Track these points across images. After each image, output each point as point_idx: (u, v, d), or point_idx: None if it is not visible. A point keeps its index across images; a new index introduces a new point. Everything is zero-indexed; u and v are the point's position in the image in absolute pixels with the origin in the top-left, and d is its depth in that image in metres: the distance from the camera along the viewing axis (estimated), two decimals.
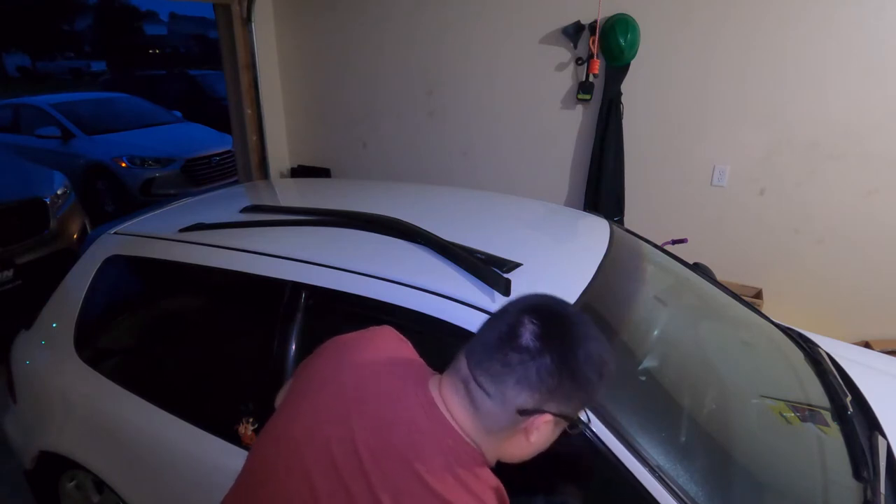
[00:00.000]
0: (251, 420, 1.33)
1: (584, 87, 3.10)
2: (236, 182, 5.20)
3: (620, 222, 3.15)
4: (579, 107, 3.21)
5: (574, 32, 3.03)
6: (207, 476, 1.39)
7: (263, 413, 1.16)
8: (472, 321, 1.17)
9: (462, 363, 0.77)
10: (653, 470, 1.03)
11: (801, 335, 1.91)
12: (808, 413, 1.50)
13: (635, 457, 1.03)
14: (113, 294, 1.72)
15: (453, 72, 3.50)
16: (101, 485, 1.72)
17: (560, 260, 1.53)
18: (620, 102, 3.04)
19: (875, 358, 1.97)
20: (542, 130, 3.35)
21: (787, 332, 1.91)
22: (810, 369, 1.70)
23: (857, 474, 1.29)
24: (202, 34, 37.02)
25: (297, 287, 1.34)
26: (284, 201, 2.14)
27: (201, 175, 6.14)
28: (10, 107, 6.66)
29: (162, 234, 1.63)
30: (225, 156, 6.31)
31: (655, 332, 1.53)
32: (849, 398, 1.54)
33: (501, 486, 0.77)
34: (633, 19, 2.88)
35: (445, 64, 3.51)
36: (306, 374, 0.88)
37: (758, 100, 2.78)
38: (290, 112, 4.23)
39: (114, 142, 6.04)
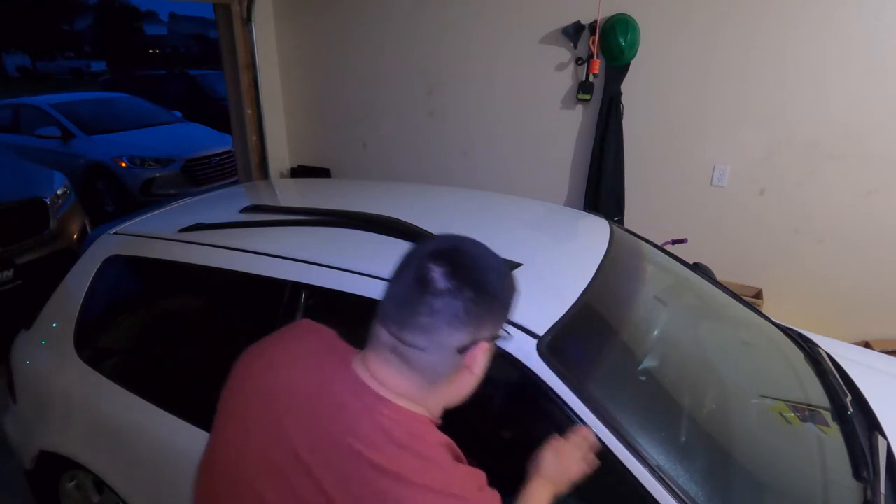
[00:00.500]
0: None
1: (584, 87, 3.10)
2: (236, 182, 5.20)
3: (620, 222, 3.15)
4: (579, 107, 3.21)
5: (574, 32, 3.03)
6: None
7: None
8: None
9: (381, 333, 0.74)
10: (653, 470, 1.03)
11: (801, 335, 1.91)
12: (808, 413, 1.50)
13: (635, 457, 1.03)
14: (113, 294, 1.72)
15: (453, 72, 3.50)
16: (101, 485, 1.72)
17: (560, 260, 1.53)
18: (620, 102, 3.04)
19: (875, 358, 1.97)
20: (542, 130, 3.35)
21: (787, 332, 1.91)
22: (810, 369, 1.70)
23: (857, 474, 1.29)
24: (202, 34, 37.02)
25: (297, 287, 1.34)
26: (284, 201, 2.14)
27: (201, 175, 6.14)
28: (10, 107, 6.66)
29: (162, 234, 1.63)
30: (225, 156, 6.31)
31: (655, 332, 1.53)
32: (849, 398, 1.54)
33: (452, 442, 0.76)
34: (633, 19, 2.88)
35: (445, 64, 3.51)
36: (229, 394, 0.84)
37: (758, 100, 2.78)
38: (290, 112, 4.23)
39: (114, 142, 6.04)
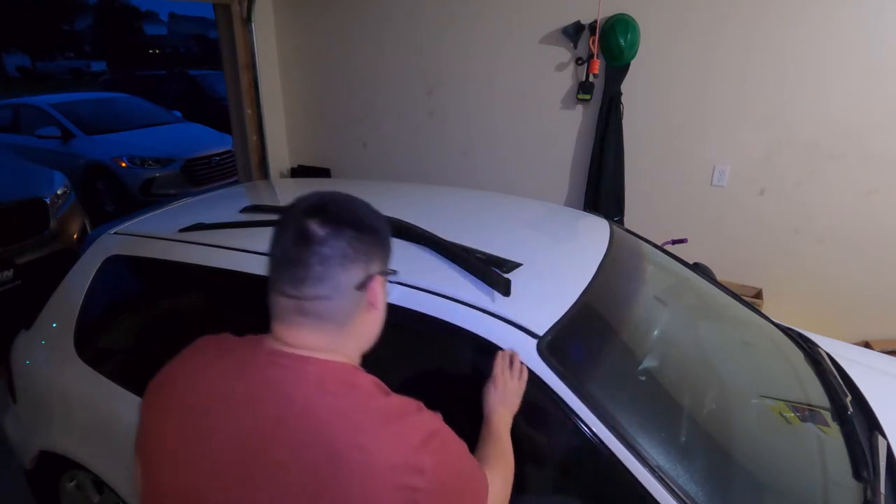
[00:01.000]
0: None
1: (584, 87, 3.10)
2: (236, 182, 5.20)
3: (620, 222, 3.15)
4: (579, 107, 3.21)
5: (574, 32, 3.03)
6: None
7: None
8: (473, 321, 1.17)
9: (280, 301, 0.75)
10: (653, 470, 1.03)
11: (801, 335, 1.91)
12: (808, 413, 1.50)
13: (635, 457, 1.03)
14: (113, 294, 1.72)
15: (453, 72, 3.50)
16: (101, 485, 1.72)
17: (560, 260, 1.53)
18: (620, 102, 3.04)
19: (875, 358, 1.97)
20: (542, 130, 3.35)
21: (787, 332, 1.91)
22: (810, 369, 1.70)
23: (857, 474, 1.29)
24: (202, 34, 37.03)
25: None
26: (284, 201, 2.14)
27: (201, 175, 6.14)
28: (10, 107, 6.66)
29: (162, 234, 1.63)
30: (225, 156, 6.31)
31: (655, 332, 1.53)
32: (849, 398, 1.54)
33: (380, 381, 0.78)
34: (633, 19, 2.88)
35: (445, 64, 3.51)
36: (152, 434, 0.79)
37: (758, 100, 2.78)
38: (290, 112, 4.23)
39: (114, 142, 6.04)
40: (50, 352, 1.75)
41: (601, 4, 2.92)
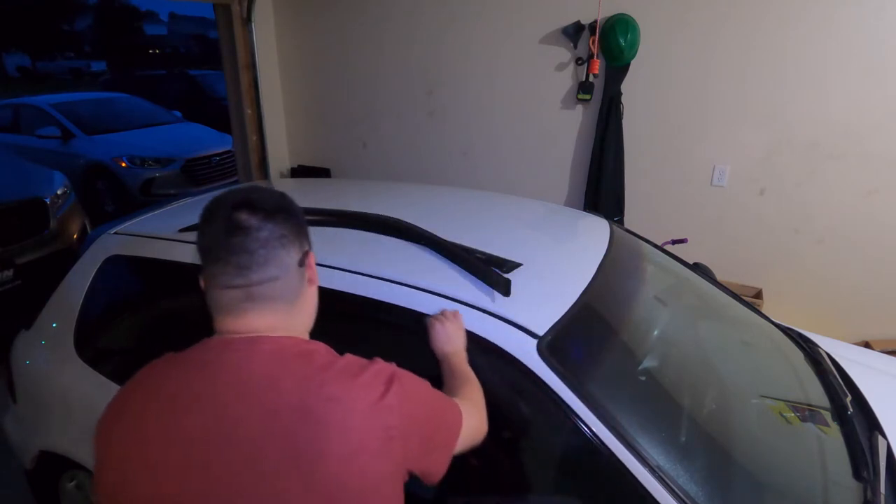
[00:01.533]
0: None
1: (584, 87, 3.10)
2: (236, 182, 5.19)
3: (620, 222, 3.15)
4: (579, 107, 3.21)
5: (574, 32, 3.03)
6: None
7: None
8: (473, 321, 1.17)
9: (225, 294, 0.77)
10: (653, 470, 1.03)
11: (801, 335, 1.91)
12: (808, 413, 1.50)
13: (635, 457, 1.03)
14: (113, 294, 1.72)
15: (453, 72, 3.50)
16: None
17: (560, 260, 1.53)
18: (620, 102, 3.04)
19: (875, 358, 1.97)
20: (542, 130, 3.35)
21: (787, 332, 1.91)
22: (810, 369, 1.70)
23: (857, 474, 1.29)
24: (202, 34, 37.01)
25: None
26: None
27: (201, 175, 6.13)
28: (10, 107, 6.66)
29: (162, 234, 1.62)
30: (225, 156, 6.31)
31: (655, 332, 1.53)
32: (849, 398, 1.54)
33: (328, 345, 0.82)
34: (633, 19, 2.88)
35: (445, 64, 3.51)
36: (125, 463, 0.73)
37: (758, 100, 2.78)
38: (290, 112, 4.23)
39: (114, 142, 6.03)
40: (50, 352, 1.75)
41: (601, 4, 2.92)
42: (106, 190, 5.93)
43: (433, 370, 1.39)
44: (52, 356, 1.74)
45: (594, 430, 1.06)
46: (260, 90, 3.94)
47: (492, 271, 1.26)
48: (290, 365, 0.75)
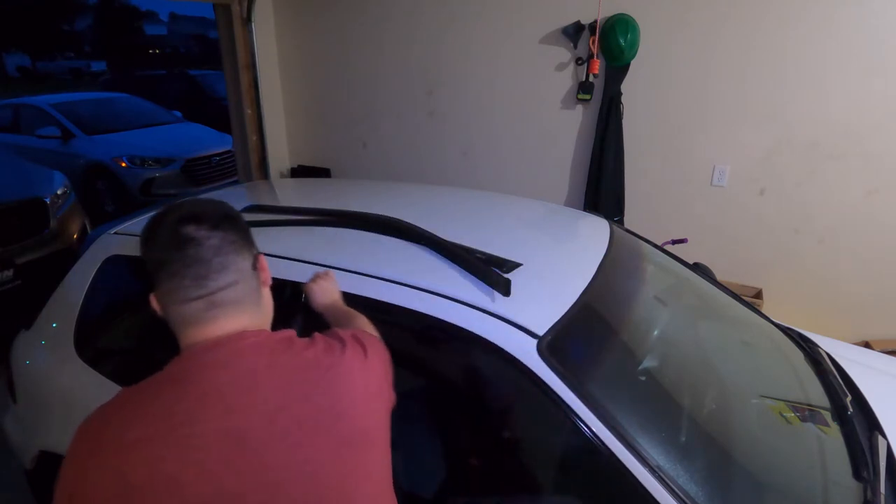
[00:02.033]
0: None
1: (584, 87, 3.10)
2: (236, 182, 5.20)
3: (620, 222, 3.15)
4: (579, 107, 3.21)
5: (574, 32, 3.03)
6: None
7: None
8: (473, 321, 1.17)
9: (187, 308, 0.78)
10: (653, 470, 1.03)
11: (801, 335, 1.91)
12: (808, 413, 1.50)
13: (635, 457, 1.03)
14: (113, 294, 1.72)
15: (453, 72, 3.50)
16: None
17: (560, 260, 1.53)
18: (620, 102, 3.04)
19: (875, 358, 1.97)
20: (542, 130, 3.35)
21: (787, 332, 1.91)
22: (810, 369, 1.70)
23: (857, 474, 1.29)
24: (202, 34, 37.02)
25: (297, 287, 1.34)
26: (284, 201, 2.14)
27: (201, 175, 6.13)
28: (10, 107, 6.65)
29: None
30: (225, 156, 6.31)
31: (655, 332, 1.53)
32: (849, 398, 1.54)
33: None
34: (633, 19, 2.87)
35: (445, 64, 3.51)
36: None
37: (758, 100, 2.78)
38: (290, 112, 4.22)
39: (114, 142, 6.03)
40: (50, 352, 1.75)
41: (601, 4, 2.92)
42: (106, 190, 5.93)
43: (433, 370, 1.40)
44: (52, 356, 1.74)
45: (594, 430, 1.06)
46: (260, 90, 3.94)
47: (492, 271, 1.26)
48: (278, 351, 0.78)
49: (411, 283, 1.26)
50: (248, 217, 1.70)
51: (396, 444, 0.88)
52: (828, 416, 1.49)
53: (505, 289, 1.21)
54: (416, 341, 1.36)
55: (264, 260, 0.88)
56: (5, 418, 1.93)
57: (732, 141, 2.89)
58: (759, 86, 2.76)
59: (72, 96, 7.19)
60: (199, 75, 11.13)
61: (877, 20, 2.49)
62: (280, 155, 4.26)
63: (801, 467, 1.34)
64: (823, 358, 1.75)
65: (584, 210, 2.55)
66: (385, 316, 1.26)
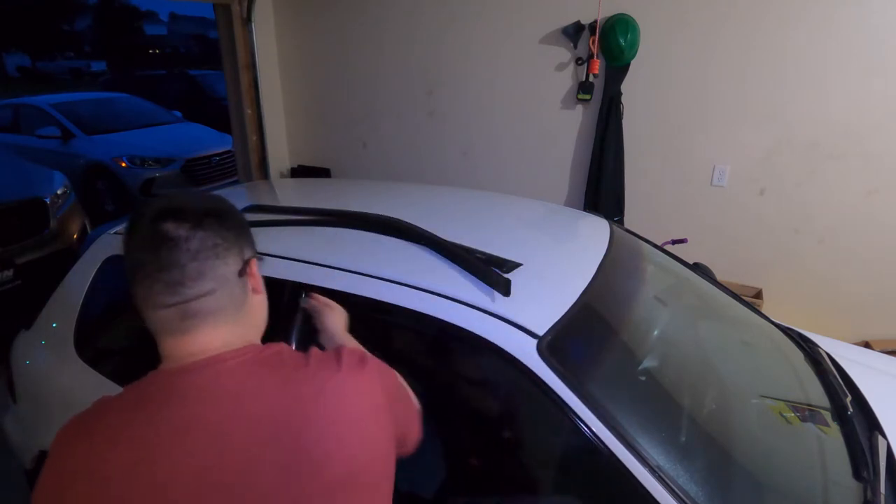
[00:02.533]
0: None
1: (584, 87, 3.10)
2: (236, 182, 5.20)
3: (620, 222, 3.15)
4: (579, 107, 3.21)
5: (574, 32, 3.03)
6: None
7: None
8: (473, 321, 1.17)
9: (162, 316, 0.70)
10: (653, 470, 1.03)
11: (801, 335, 1.91)
12: (808, 413, 1.50)
13: (635, 457, 1.03)
14: (113, 294, 1.72)
15: (453, 72, 3.50)
16: None
17: (560, 260, 1.53)
18: (620, 102, 3.04)
19: (875, 358, 1.97)
20: (542, 130, 3.35)
21: (787, 332, 1.91)
22: (810, 369, 1.70)
23: (857, 474, 1.29)
24: (202, 34, 37.03)
25: (297, 287, 1.34)
26: (284, 201, 2.14)
27: (201, 175, 6.14)
28: (10, 107, 6.66)
29: None
30: (225, 156, 6.31)
31: (655, 332, 1.53)
32: (849, 398, 1.54)
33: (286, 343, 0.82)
34: (633, 19, 2.87)
35: (445, 64, 3.51)
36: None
37: (758, 100, 2.78)
38: (290, 112, 4.23)
39: (114, 142, 6.03)
40: (50, 352, 1.75)
41: (601, 4, 2.92)
42: (106, 190, 5.93)
43: (433, 370, 1.39)
44: (52, 356, 1.74)
45: (594, 430, 1.06)
46: (260, 90, 3.94)
47: (492, 271, 1.26)
48: (263, 373, 0.71)
49: (411, 283, 1.26)
50: (249, 217, 1.71)
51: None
52: (828, 416, 1.49)
53: (505, 289, 1.21)
54: (416, 341, 1.36)
55: (256, 265, 0.79)
56: (5, 418, 1.93)
57: (732, 141, 2.89)
58: (759, 86, 2.76)
59: (72, 96, 7.20)
60: (199, 75, 11.13)
61: (877, 20, 2.49)
62: (280, 155, 4.26)
63: (801, 467, 1.34)
64: (823, 358, 1.75)
65: (584, 210, 2.55)
66: (385, 316, 1.26)
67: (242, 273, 0.75)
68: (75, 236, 3.83)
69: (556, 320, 1.19)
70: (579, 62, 3.10)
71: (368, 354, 0.82)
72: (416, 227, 1.50)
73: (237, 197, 2.17)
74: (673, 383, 1.41)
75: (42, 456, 1.74)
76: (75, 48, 36.42)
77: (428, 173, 3.80)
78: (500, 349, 1.13)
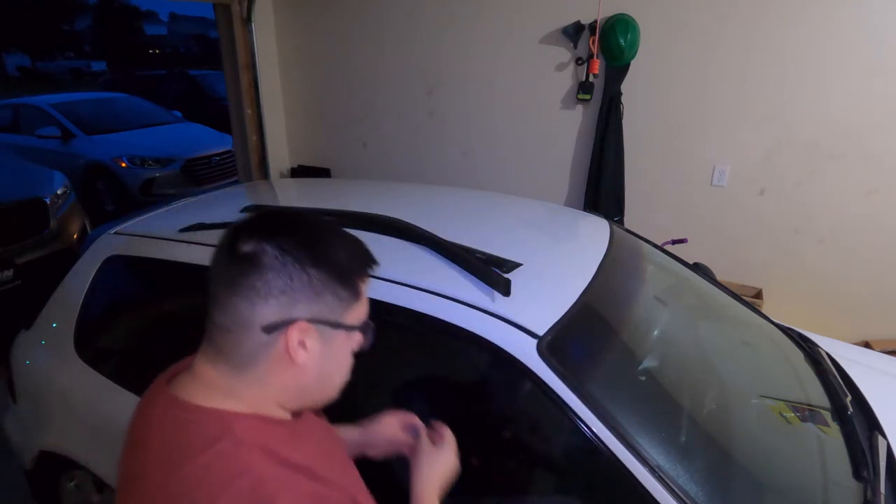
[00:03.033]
0: None
1: (584, 87, 3.10)
2: (236, 182, 5.20)
3: (620, 222, 3.15)
4: (579, 107, 3.21)
5: (574, 32, 3.03)
6: None
7: None
8: (473, 321, 1.17)
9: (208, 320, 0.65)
10: (653, 470, 1.03)
11: (801, 335, 1.91)
12: (808, 413, 1.50)
13: (635, 457, 1.03)
14: (113, 294, 1.72)
15: (453, 72, 3.50)
16: (101, 485, 1.72)
17: (560, 260, 1.53)
18: (620, 102, 3.04)
19: (875, 358, 1.97)
20: (542, 130, 3.35)
21: (787, 332, 1.91)
22: (810, 369, 1.70)
23: (857, 474, 1.29)
24: (202, 34, 37.07)
25: None
26: (284, 201, 2.14)
27: (201, 175, 6.14)
28: (10, 107, 6.66)
29: (162, 234, 1.62)
30: (225, 156, 6.31)
31: (655, 332, 1.53)
32: (849, 398, 1.54)
33: (271, 442, 0.61)
34: (633, 19, 2.87)
35: (445, 64, 3.51)
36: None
37: (758, 100, 2.78)
38: (290, 112, 4.23)
39: (114, 142, 6.04)
40: (50, 352, 1.75)
41: (601, 4, 2.92)
42: (106, 190, 5.93)
43: (433, 370, 1.39)
44: (52, 356, 1.74)
45: (594, 430, 1.06)
46: (260, 90, 3.94)
47: (492, 271, 1.26)
48: (158, 439, 0.62)
49: (411, 283, 1.26)
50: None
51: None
52: (828, 416, 1.49)
53: (505, 289, 1.21)
54: (415, 341, 1.36)
55: (305, 333, 0.62)
56: (5, 418, 1.93)
57: (732, 141, 2.89)
58: (759, 86, 2.76)
59: (72, 96, 7.20)
60: (199, 75, 11.14)
61: (877, 20, 2.49)
62: (280, 155, 4.26)
63: (801, 467, 1.34)
64: (823, 358, 1.75)
65: (584, 210, 2.55)
66: (385, 316, 1.26)
67: (270, 330, 0.62)
68: (75, 236, 3.83)
69: (556, 320, 1.19)
70: (579, 62, 3.10)
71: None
72: (416, 227, 1.50)
73: (237, 197, 2.17)
74: (673, 383, 1.41)
75: (42, 456, 1.74)
76: (75, 48, 36.44)
77: (428, 173, 3.80)
78: (500, 349, 1.13)
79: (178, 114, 7.47)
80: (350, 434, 0.93)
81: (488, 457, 1.29)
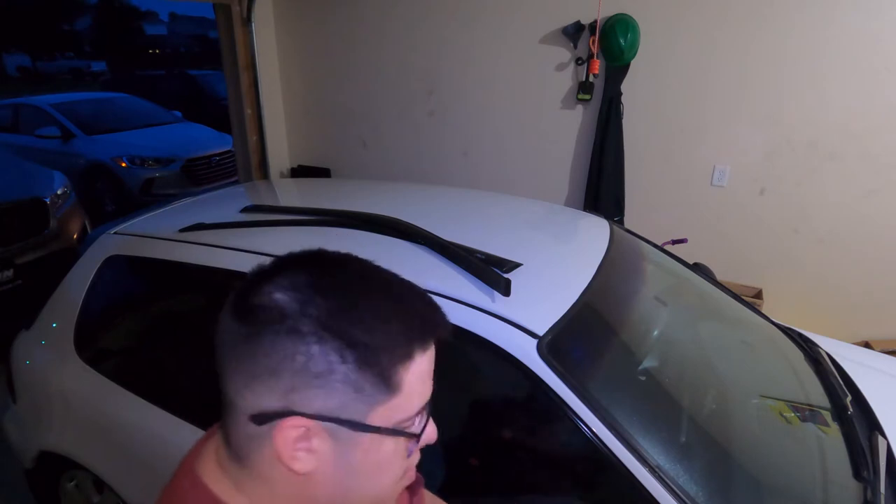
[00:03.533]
0: None
1: (584, 87, 3.10)
2: (236, 182, 5.20)
3: (620, 222, 3.15)
4: (579, 107, 3.21)
5: (574, 32, 3.03)
6: None
7: None
8: (472, 321, 1.17)
9: None
10: (653, 470, 1.03)
11: (801, 335, 1.91)
12: (808, 413, 1.50)
13: (635, 457, 1.03)
14: (113, 294, 1.72)
15: (453, 71, 3.50)
16: (101, 485, 1.72)
17: (560, 260, 1.53)
18: (620, 102, 3.04)
19: (875, 358, 1.97)
20: (542, 130, 3.35)
21: (787, 332, 1.91)
22: (810, 369, 1.70)
23: (857, 474, 1.29)
24: (202, 34, 37.06)
25: None
26: (285, 201, 2.14)
27: (201, 175, 6.14)
28: (10, 107, 6.66)
29: (162, 234, 1.62)
30: (225, 156, 6.31)
31: (655, 333, 1.53)
32: (849, 398, 1.54)
33: None
34: (633, 19, 2.87)
35: (446, 64, 3.51)
36: None
37: (758, 100, 2.78)
38: (290, 112, 4.23)
39: (114, 142, 6.04)
40: (50, 352, 1.75)
41: (601, 4, 2.92)
42: (106, 190, 5.93)
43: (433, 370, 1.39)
44: (52, 356, 1.74)
45: (594, 430, 1.06)
46: (260, 90, 3.94)
47: (492, 271, 1.26)
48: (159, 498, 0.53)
49: None
50: (249, 217, 1.72)
51: None
52: (828, 416, 1.49)
53: (505, 289, 1.21)
54: None
55: (294, 428, 0.45)
56: (5, 418, 1.93)
57: (732, 141, 2.89)
58: (759, 86, 2.76)
59: (72, 96, 7.21)
60: (199, 75, 11.14)
61: (877, 21, 2.49)
62: (280, 155, 4.26)
63: (801, 467, 1.34)
64: (823, 358, 1.75)
65: (584, 210, 2.55)
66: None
67: (260, 421, 0.46)
68: (75, 236, 3.83)
69: (556, 320, 1.19)
70: (579, 62, 3.10)
71: None
72: (416, 226, 1.50)
73: (237, 197, 2.17)
74: (673, 383, 1.41)
75: (42, 456, 1.74)
76: (75, 48, 36.41)
77: (428, 173, 3.80)
78: (500, 349, 1.13)
79: (178, 114, 7.47)
80: None
81: (488, 457, 1.29)
